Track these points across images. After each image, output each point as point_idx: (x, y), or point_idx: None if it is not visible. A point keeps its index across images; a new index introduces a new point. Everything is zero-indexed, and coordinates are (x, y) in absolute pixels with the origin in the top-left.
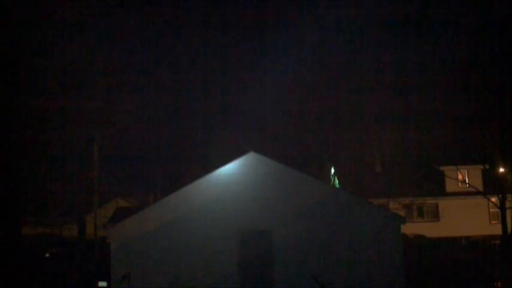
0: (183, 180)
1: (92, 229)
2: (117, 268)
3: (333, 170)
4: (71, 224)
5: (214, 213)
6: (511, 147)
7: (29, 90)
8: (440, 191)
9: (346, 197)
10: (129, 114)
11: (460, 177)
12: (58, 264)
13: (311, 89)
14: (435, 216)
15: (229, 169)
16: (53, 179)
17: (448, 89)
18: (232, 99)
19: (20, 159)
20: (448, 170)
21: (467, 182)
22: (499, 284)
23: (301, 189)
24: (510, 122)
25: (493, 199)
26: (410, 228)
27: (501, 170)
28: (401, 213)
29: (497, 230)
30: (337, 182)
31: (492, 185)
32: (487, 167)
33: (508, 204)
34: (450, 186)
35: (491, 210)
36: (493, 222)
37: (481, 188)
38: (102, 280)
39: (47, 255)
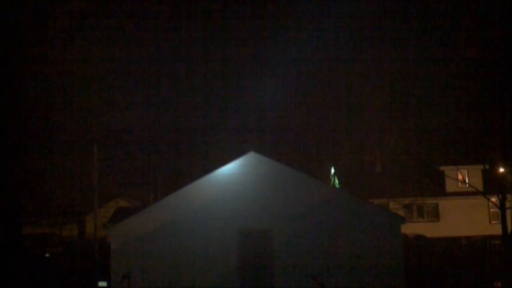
0: (183, 180)
1: (92, 229)
2: (117, 268)
3: (333, 170)
4: (71, 224)
5: (214, 213)
6: (511, 147)
7: (28, 90)
8: (440, 191)
9: (346, 197)
10: (129, 114)
11: (460, 177)
12: (58, 264)
13: (311, 89)
14: (435, 216)
15: (229, 169)
16: (53, 179)
17: (448, 89)
18: (232, 99)
19: (20, 159)
20: (448, 170)
21: (467, 182)
22: (499, 284)
23: (301, 189)
24: (510, 122)
25: (493, 199)
26: (410, 228)
27: (501, 170)
28: (401, 213)
29: (497, 230)
30: (337, 182)
31: (492, 185)
32: (487, 167)
33: (508, 204)
34: (450, 186)
35: (491, 210)
36: (493, 222)
37: (481, 188)
38: (102, 280)
39: (47, 255)
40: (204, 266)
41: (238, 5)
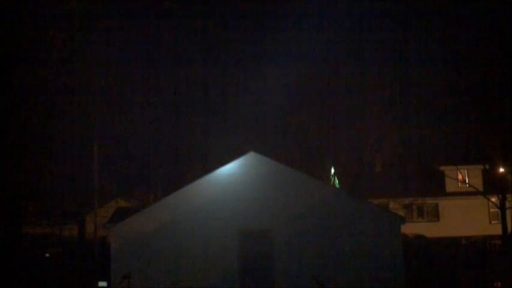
0: (183, 180)
1: (92, 229)
2: (117, 268)
3: (333, 170)
4: (71, 224)
5: (214, 213)
6: (511, 147)
7: (28, 90)
8: (440, 191)
9: (346, 197)
10: (129, 114)
11: (460, 177)
12: (58, 264)
13: (311, 89)
14: (435, 216)
15: (229, 169)
16: (53, 179)
17: (448, 89)
18: (232, 99)
19: (20, 159)
20: (448, 170)
21: (467, 182)
22: (499, 284)
23: (301, 189)
24: (510, 122)
25: (493, 199)
26: (410, 228)
27: (501, 170)
28: (401, 213)
29: (497, 230)
30: (337, 182)
31: (492, 185)
32: (487, 167)
33: (508, 204)
34: (450, 186)
35: (491, 210)
36: (493, 222)
37: (481, 188)
38: (102, 280)
39: (47, 255)
40: (204, 266)
41: (238, 5)
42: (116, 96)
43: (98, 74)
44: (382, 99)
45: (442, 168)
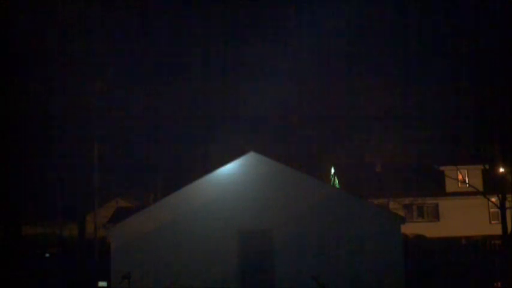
0: (183, 180)
1: (92, 229)
2: (117, 268)
3: (333, 170)
4: (71, 224)
5: (214, 213)
6: (511, 147)
7: (29, 91)
8: (440, 191)
9: (346, 197)
10: (129, 114)
11: (460, 177)
12: (58, 264)
13: (311, 89)
14: (435, 216)
15: (229, 169)
16: (53, 179)
17: (448, 89)
18: (232, 99)
19: (20, 159)
20: (448, 170)
21: (467, 182)
22: (499, 284)
23: (301, 189)
24: (510, 122)
25: (493, 199)
26: (410, 228)
27: (501, 170)
28: (401, 213)
29: (497, 230)
30: (337, 182)
31: (492, 185)
32: (487, 167)
33: (508, 204)
34: (450, 186)
35: (491, 210)
36: (493, 222)
37: (481, 188)
38: (102, 280)
39: (47, 255)
40: (204, 266)
41: (238, 5)
42: (116, 96)
43: (98, 74)
44: (382, 100)
45: (442, 168)
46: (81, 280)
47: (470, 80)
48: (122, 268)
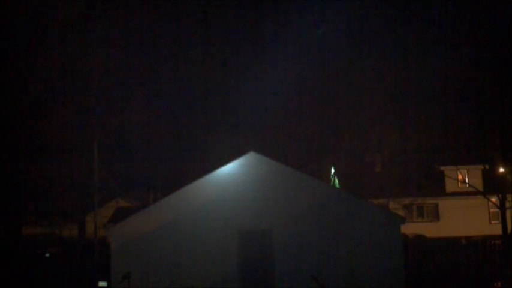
0: (183, 180)
1: (92, 229)
2: (117, 268)
3: (333, 170)
4: (71, 224)
5: (214, 213)
6: (511, 147)
7: (28, 90)
8: (440, 191)
9: (346, 197)
10: (129, 114)
11: (460, 177)
12: (58, 264)
13: (311, 89)
14: (435, 216)
15: (229, 169)
16: (53, 178)
17: (448, 89)
18: (232, 99)
19: (20, 159)
20: (448, 170)
21: (467, 182)
22: (499, 284)
23: (301, 189)
24: (510, 122)
25: (493, 199)
26: (410, 228)
27: (501, 170)
28: (401, 213)
29: (497, 230)
30: (337, 182)
31: (492, 185)
32: (487, 167)
33: (508, 204)
34: (450, 186)
35: (491, 210)
36: (493, 222)
37: (481, 188)
38: (102, 280)
39: (47, 255)
40: (204, 266)
41: (237, 5)
42: (116, 96)
43: (97, 74)
44: (382, 99)
45: (442, 168)
46: (81, 280)
47: (470, 80)
48: (122, 268)
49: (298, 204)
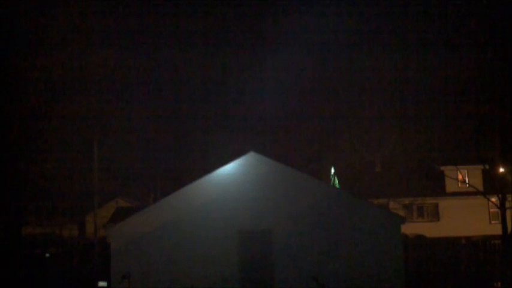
0: (183, 180)
1: (92, 229)
2: (117, 268)
3: (333, 170)
4: (71, 224)
5: (214, 213)
6: (511, 147)
7: (28, 90)
8: (440, 191)
9: (346, 197)
10: (129, 114)
11: (460, 177)
12: (58, 264)
13: (311, 89)
14: (435, 216)
15: (229, 169)
16: (53, 178)
17: (448, 89)
18: (232, 99)
19: (20, 159)
20: (448, 170)
21: (467, 182)
22: (499, 284)
23: (301, 189)
24: (510, 122)
25: (493, 199)
26: (410, 228)
27: (501, 170)
28: (401, 213)
29: (497, 230)
30: (337, 182)
31: (492, 185)
32: (487, 167)
33: (508, 204)
34: (450, 186)
35: (491, 210)
36: (493, 222)
37: (481, 188)
38: (102, 280)
39: (47, 255)
40: (204, 266)
41: (237, 5)
42: (116, 96)
43: (97, 74)
44: (382, 99)
45: (442, 168)
46: (81, 280)
47: (470, 80)
48: (121, 268)
49: (298, 204)
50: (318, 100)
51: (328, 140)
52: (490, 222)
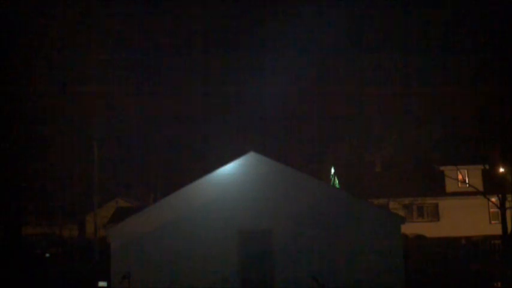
0: (183, 180)
1: (92, 229)
2: (117, 268)
3: (333, 170)
4: (71, 224)
5: (214, 213)
6: (511, 147)
7: (29, 90)
8: (440, 191)
9: (346, 197)
10: (129, 114)
11: (460, 177)
12: (58, 264)
13: (311, 89)
14: (435, 216)
15: (229, 169)
16: (53, 179)
17: (448, 89)
18: (232, 99)
19: (20, 159)
20: (448, 170)
21: (467, 182)
22: (499, 284)
23: (301, 189)
24: (510, 122)
25: (493, 199)
26: (410, 228)
27: (501, 170)
28: (401, 213)
29: (497, 230)
30: (337, 182)
31: (492, 185)
32: (487, 167)
33: (508, 204)
34: (450, 186)
35: (491, 210)
36: (493, 222)
37: (481, 188)
38: (102, 280)
39: (47, 255)
40: (204, 266)
41: (237, 5)
42: (116, 96)
43: (98, 74)
44: (382, 99)
45: (442, 168)
46: (81, 280)
47: (470, 80)
48: (121, 268)
49: (298, 204)
50: (318, 100)
51: (328, 140)
52: (490, 222)
